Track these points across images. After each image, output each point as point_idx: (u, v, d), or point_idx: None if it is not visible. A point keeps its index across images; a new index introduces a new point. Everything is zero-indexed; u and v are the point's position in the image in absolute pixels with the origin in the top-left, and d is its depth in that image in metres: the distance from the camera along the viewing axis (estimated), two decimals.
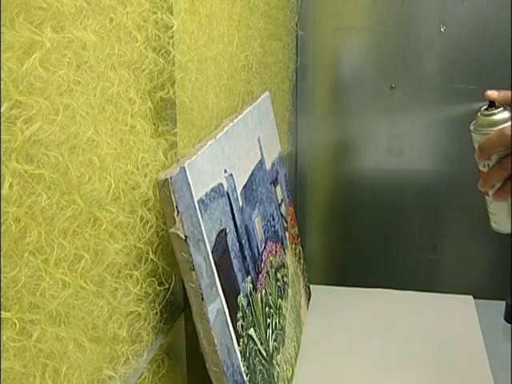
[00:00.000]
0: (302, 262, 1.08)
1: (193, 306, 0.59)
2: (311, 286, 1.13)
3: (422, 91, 1.40)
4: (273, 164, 0.97)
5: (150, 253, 0.55)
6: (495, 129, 0.70)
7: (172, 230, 0.57)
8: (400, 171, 1.45)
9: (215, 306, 0.61)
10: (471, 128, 0.74)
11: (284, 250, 0.95)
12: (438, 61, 1.40)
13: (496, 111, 0.71)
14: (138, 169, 0.52)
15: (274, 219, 0.91)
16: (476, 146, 0.74)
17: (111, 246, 0.48)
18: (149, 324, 0.58)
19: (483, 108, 0.73)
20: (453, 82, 1.38)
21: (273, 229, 0.90)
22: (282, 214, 0.97)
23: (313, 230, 1.53)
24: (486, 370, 0.89)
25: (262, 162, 0.90)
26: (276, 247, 0.90)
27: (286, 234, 0.99)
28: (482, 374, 0.89)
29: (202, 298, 0.59)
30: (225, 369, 0.61)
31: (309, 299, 1.09)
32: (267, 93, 1.01)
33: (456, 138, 1.41)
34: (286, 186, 1.04)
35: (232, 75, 0.82)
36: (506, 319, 1.03)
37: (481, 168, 0.75)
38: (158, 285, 0.58)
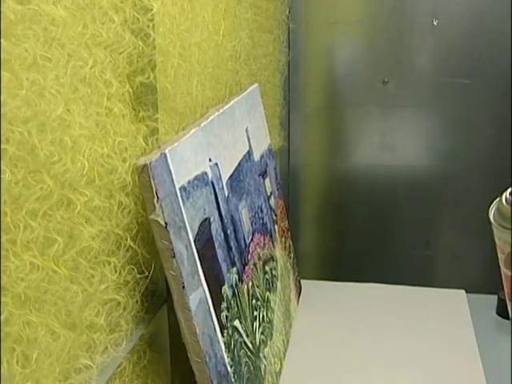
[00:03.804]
0: (292, 256, 1.06)
1: (174, 295, 0.58)
2: (304, 281, 1.12)
3: (415, 85, 1.39)
4: (262, 156, 0.95)
5: (129, 239, 0.54)
6: None
7: (152, 216, 0.56)
8: (393, 166, 1.44)
9: (197, 295, 0.60)
10: (492, 219, 0.54)
11: (273, 242, 0.94)
12: (430, 55, 1.39)
13: None
14: (115, 153, 0.51)
15: (262, 211, 0.90)
16: (503, 246, 0.54)
17: (86, 231, 0.47)
18: (128, 313, 0.56)
19: (510, 193, 0.53)
20: (446, 76, 1.37)
21: (261, 221, 0.89)
22: (271, 207, 0.96)
23: (306, 226, 1.52)
24: (477, 364, 0.88)
25: (250, 154, 0.89)
26: (264, 240, 0.89)
27: (275, 227, 0.97)
28: (473, 368, 0.88)
29: (183, 287, 0.58)
30: (207, 359, 0.60)
31: (299, 294, 1.08)
32: (256, 84, 1.00)
33: (450, 133, 1.40)
34: (276, 178, 1.03)
35: (218, 64, 0.81)
36: (498, 313, 1.02)
37: (506, 271, 0.56)
38: (138, 273, 0.57)
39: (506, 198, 0.53)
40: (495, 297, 1.04)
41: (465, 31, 1.35)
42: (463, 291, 1.09)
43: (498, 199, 0.54)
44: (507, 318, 1.00)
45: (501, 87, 1.35)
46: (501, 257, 0.55)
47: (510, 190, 0.53)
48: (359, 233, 1.49)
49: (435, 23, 1.35)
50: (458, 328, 0.98)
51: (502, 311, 1.01)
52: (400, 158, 1.43)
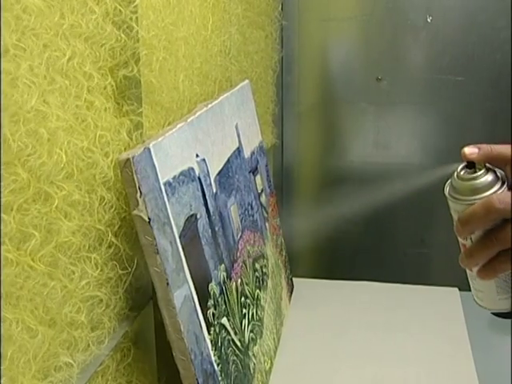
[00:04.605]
0: (283, 253, 1.06)
1: (158, 292, 0.57)
2: (297, 279, 1.11)
3: (409, 83, 1.38)
4: (252, 153, 0.95)
5: (111, 235, 0.53)
6: (478, 197, 0.57)
7: (135, 211, 0.55)
8: (387, 164, 1.43)
9: (182, 292, 0.59)
10: (446, 193, 0.60)
11: (263, 240, 0.93)
12: (424, 52, 1.38)
13: (477, 174, 0.58)
14: (96, 147, 0.50)
15: (252, 208, 0.89)
16: (454, 216, 0.60)
17: (65, 226, 0.46)
18: (111, 310, 0.55)
19: (460, 169, 0.59)
20: (440, 73, 1.36)
21: (251, 218, 0.88)
22: (261, 204, 0.95)
23: (300, 224, 1.51)
24: (469, 362, 0.87)
25: (239, 150, 0.88)
26: (254, 237, 0.88)
27: (266, 224, 0.97)
28: (465, 366, 0.87)
29: (168, 283, 0.57)
30: (192, 357, 0.59)
31: (291, 292, 1.07)
32: (247, 81, 0.99)
33: (443, 130, 1.39)
34: (267, 176, 1.02)
35: (207, 59, 0.80)
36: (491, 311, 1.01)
37: (461, 240, 0.61)
38: (121, 269, 0.56)
39: (457, 173, 0.59)
40: None
41: (459, 28, 1.34)
42: (456, 289, 1.08)
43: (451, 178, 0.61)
44: (500, 317, 0.99)
45: (494, 84, 1.34)
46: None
47: (461, 166, 0.59)
48: (353, 231, 1.48)
49: (429, 20, 1.34)
50: (450, 326, 0.98)
51: None
52: (394, 156, 1.42)
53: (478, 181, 0.58)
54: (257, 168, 0.96)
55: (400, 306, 1.05)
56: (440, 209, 1.49)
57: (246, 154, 0.91)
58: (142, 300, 0.62)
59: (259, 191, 0.95)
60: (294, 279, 1.10)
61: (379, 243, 1.47)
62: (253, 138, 0.97)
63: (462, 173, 0.59)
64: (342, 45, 1.41)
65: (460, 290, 1.08)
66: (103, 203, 0.52)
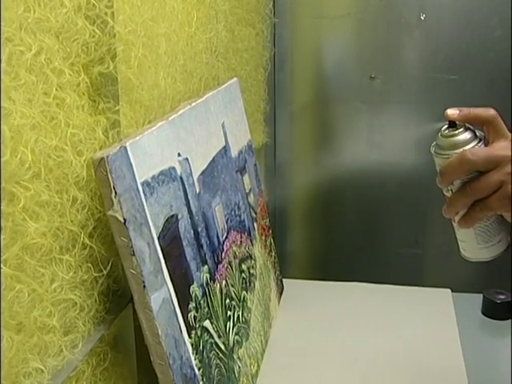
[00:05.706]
0: (273, 254, 1.04)
1: (134, 295, 0.56)
2: (288, 280, 1.10)
3: (403, 81, 1.37)
4: (240, 152, 0.93)
5: (84, 236, 0.52)
6: (456, 151, 0.66)
7: (110, 212, 0.53)
8: (381, 163, 1.41)
9: (160, 295, 0.58)
10: (432, 150, 0.69)
11: (251, 240, 0.91)
12: (418, 50, 1.36)
13: (456, 132, 0.66)
14: (67, 145, 0.49)
15: (239, 208, 0.87)
16: (438, 170, 0.68)
17: (33, 227, 0.44)
18: (87, 313, 0.54)
19: (443, 128, 0.68)
20: (434, 72, 1.34)
21: (238, 218, 0.86)
22: (249, 204, 0.94)
23: (293, 224, 1.49)
24: (459, 363, 0.86)
25: (226, 149, 0.86)
26: (241, 237, 0.86)
27: (255, 224, 0.95)
28: (455, 367, 0.85)
29: (144, 286, 0.55)
30: (170, 361, 0.57)
31: (281, 293, 1.06)
32: (235, 79, 0.97)
33: (438, 129, 1.38)
34: (256, 175, 1.00)
35: (191, 57, 0.78)
36: (483, 312, 1.00)
37: (445, 193, 0.69)
38: (97, 271, 0.54)
39: (440, 132, 0.68)
40: (481, 296, 1.02)
41: (453, 26, 1.33)
42: (449, 290, 1.07)
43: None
44: (492, 318, 0.98)
45: (489, 83, 1.32)
46: None
47: (445, 126, 0.68)
48: (347, 231, 1.47)
49: (422, 18, 1.33)
50: (441, 327, 0.96)
51: (486, 310, 0.99)
52: (388, 155, 1.41)
53: (457, 137, 0.66)
54: (245, 167, 0.94)
55: (392, 306, 1.03)
56: (434, 209, 1.48)
57: (234, 153, 0.89)
58: (120, 303, 0.61)
59: (247, 191, 0.94)
60: (284, 280, 1.09)
61: (372, 243, 1.46)
62: (241, 137, 0.95)
63: (445, 132, 0.67)
64: (335, 43, 1.39)
65: (452, 291, 1.07)
66: (76, 203, 0.51)
